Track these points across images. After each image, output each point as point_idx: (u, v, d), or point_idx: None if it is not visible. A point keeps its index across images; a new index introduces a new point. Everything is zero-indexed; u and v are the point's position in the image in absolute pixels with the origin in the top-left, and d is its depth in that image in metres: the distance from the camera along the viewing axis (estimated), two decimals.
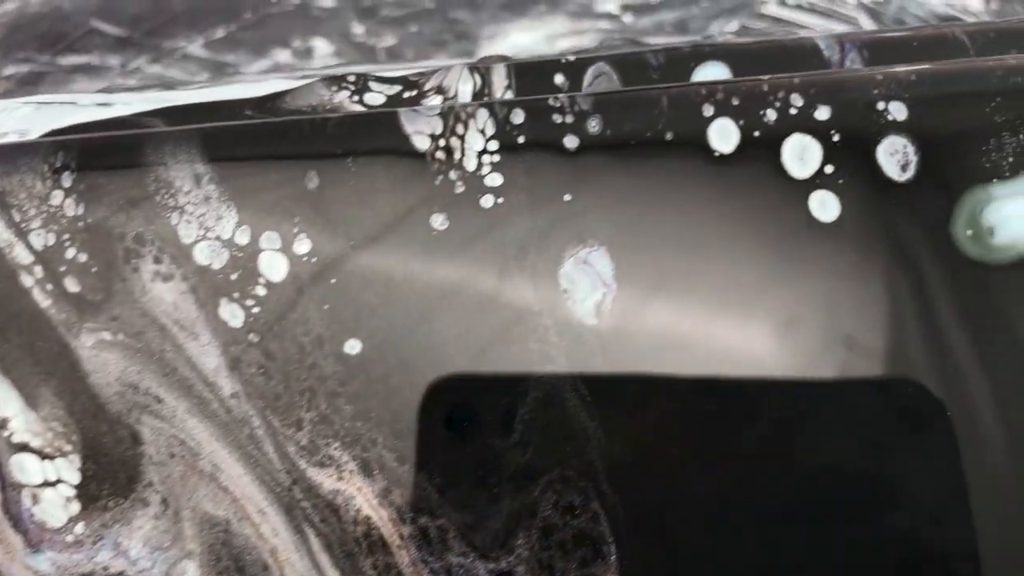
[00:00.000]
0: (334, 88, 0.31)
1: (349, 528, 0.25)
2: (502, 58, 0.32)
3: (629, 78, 0.31)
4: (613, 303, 0.26)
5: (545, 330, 0.26)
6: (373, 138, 0.27)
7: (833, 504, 0.26)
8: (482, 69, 0.31)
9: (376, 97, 0.31)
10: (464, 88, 0.31)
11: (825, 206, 0.27)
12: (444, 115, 0.27)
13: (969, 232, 0.27)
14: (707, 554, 0.26)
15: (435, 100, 0.31)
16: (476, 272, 0.26)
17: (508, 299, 0.26)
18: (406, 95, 0.31)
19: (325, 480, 0.25)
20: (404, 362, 0.26)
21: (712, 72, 0.31)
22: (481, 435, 0.25)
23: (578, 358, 0.26)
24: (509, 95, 0.31)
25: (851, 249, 0.27)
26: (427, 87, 0.31)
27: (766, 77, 0.28)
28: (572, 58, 0.31)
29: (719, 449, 0.26)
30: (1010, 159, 0.27)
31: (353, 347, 0.26)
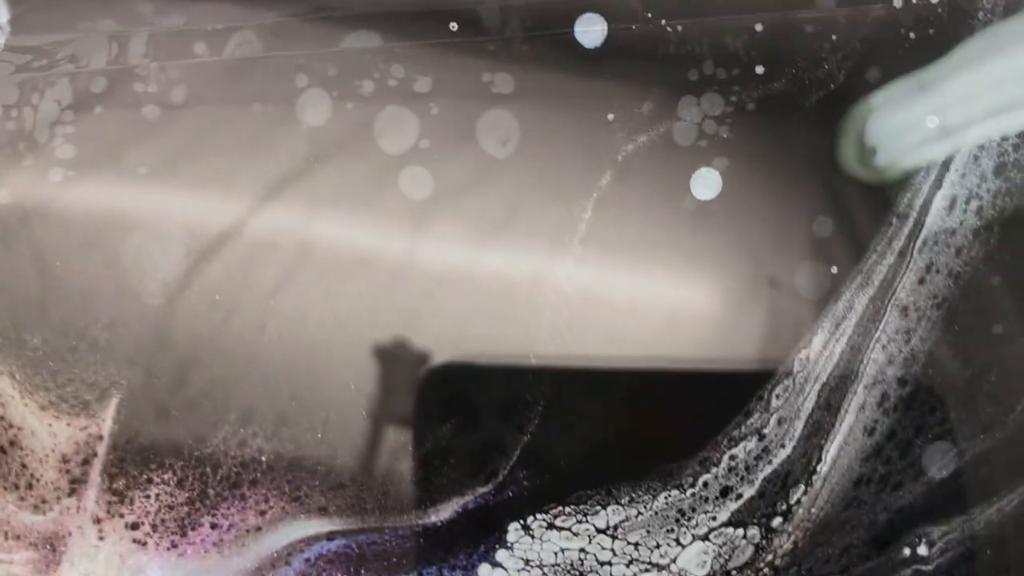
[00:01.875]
0: None
1: None
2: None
3: (273, 47, 0.29)
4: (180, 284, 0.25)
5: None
6: None
7: None
8: (121, 38, 0.30)
9: (3, 67, 0.29)
10: (98, 57, 0.29)
11: (418, 183, 0.25)
12: (22, 84, 0.26)
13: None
14: None
15: (67, 69, 0.29)
16: (36, 252, 0.25)
17: (69, 279, 0.25)
18: (36, 64, 0.29)
19: None
20: None
21: (362, 40, 0.29)
22: None
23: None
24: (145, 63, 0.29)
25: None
26: (59, 56, 0.29)
27: (374, 46, 0.27)
28: (219, 27, 0.30)
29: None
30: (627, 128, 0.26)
31: None
